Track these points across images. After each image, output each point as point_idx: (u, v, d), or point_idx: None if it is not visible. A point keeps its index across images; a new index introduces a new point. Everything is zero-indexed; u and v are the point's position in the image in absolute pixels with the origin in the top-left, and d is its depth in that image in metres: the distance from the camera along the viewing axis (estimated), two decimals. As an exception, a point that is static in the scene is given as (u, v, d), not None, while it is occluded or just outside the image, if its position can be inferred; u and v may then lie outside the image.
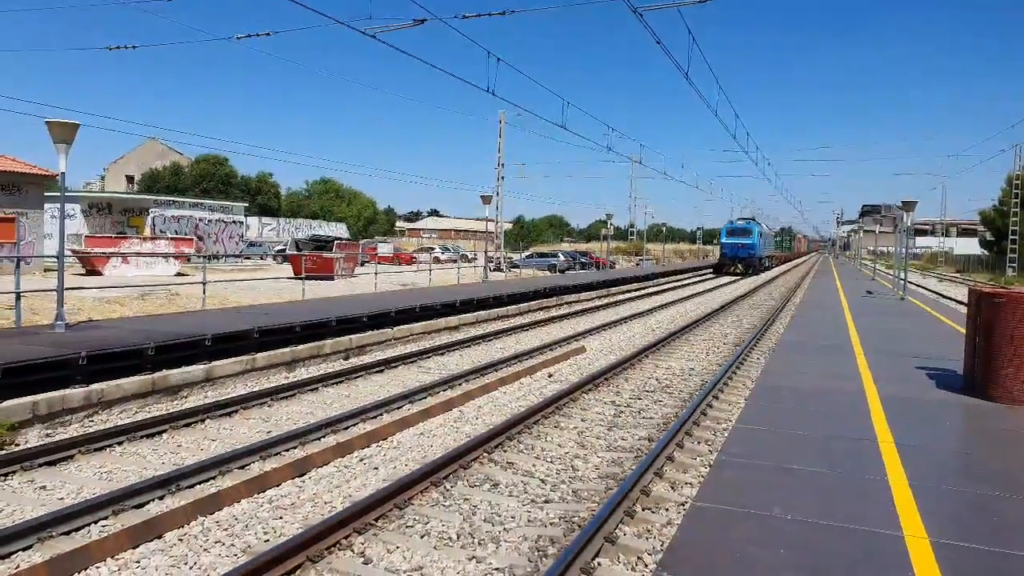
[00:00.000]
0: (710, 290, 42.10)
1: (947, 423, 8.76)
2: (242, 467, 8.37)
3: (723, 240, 65.38)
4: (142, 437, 9.51)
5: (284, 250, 49.57)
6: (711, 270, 67.65)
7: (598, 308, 28.61)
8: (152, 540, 6.37)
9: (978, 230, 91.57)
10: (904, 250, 31.56)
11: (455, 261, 52.53)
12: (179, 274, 35.18)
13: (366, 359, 15.64)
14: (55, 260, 13.82)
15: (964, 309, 13.67)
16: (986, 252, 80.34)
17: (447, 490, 7.78)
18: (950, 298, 36.44)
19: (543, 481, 8.17)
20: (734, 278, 57.47)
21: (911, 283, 34.99)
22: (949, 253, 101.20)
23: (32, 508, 7.10)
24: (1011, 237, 60.37)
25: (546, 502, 7.55)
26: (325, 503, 7.39)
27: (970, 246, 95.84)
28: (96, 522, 6.72)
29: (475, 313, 22.29)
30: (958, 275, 71.26)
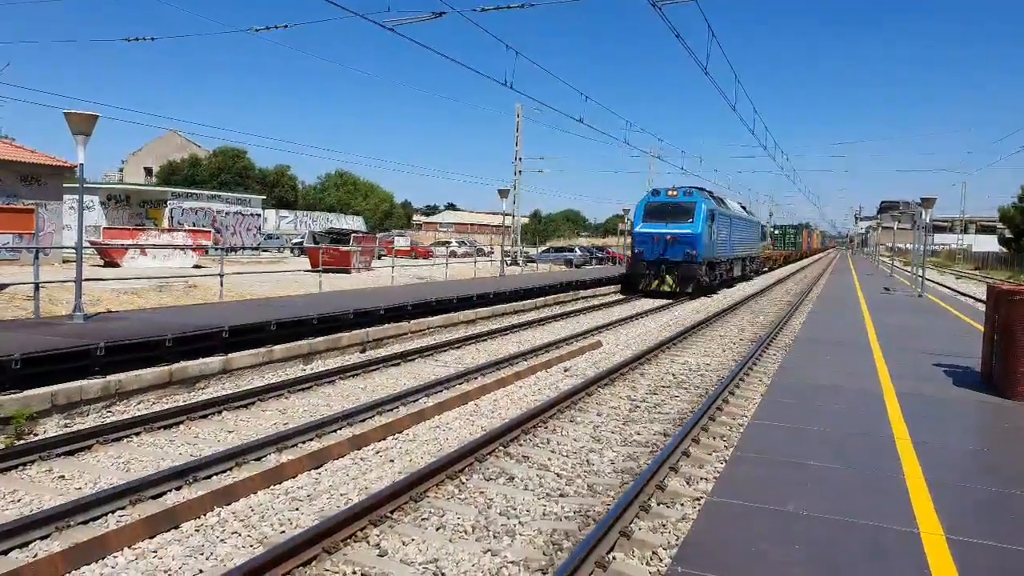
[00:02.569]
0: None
1: (964, 420, 8.71)
2: (259, 459, 8.41)
3: (637, 228, 33.31)
4: (159, 428, 9.58)
5: (301, 243, 49.75)
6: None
7: (614, 303, 28.58)
8: (169, 530, 6.42)
9: (997, 227, 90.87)
10: (922, 247, 31.36)
11: (471, 255, 52.55)
12: (196, 266, 35.35)
13: (383, 352, 15.68)
14: (74, 251, 13.92)
15: (982, 306, 13.61)
16: (1005, 249, 79.71)
17: (462, 483, 7.80)
18: (968, 295, 36.20)
19: (558, 475, 8.18)
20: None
21: (929, 280, 34.77)
22: (968, 250, 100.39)
23: (50, 497, 7.17)
24: (1031, 234, 59.79)
25: (561, 496, 7.56)
26: (341, 495, 7.42)
27: (989, 243, 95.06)
28: (114, 512, 6.77)
29: (491, 307, 22.29)
30: (976, 272, 70.65)
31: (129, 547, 6.05)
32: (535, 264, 50.78)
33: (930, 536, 5.12)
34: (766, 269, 58.39)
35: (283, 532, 6.47)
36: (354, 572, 5.78)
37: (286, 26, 20.27)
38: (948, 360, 12.24)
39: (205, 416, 10.22)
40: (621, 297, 31.88)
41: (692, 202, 32.56)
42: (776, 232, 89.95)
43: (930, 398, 9.58)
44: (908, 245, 68.99)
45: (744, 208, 49.20)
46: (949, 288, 42.75)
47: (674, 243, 31.76)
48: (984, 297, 11.62)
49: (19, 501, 7.11)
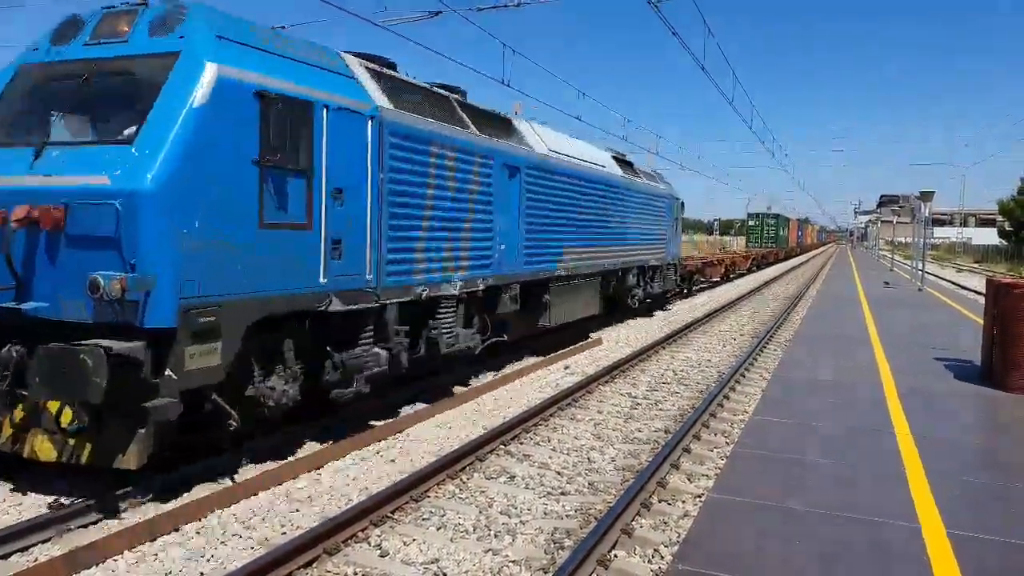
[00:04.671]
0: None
1: (964, 414, 8.71)
2: (259, 460, 8.38)
3: None
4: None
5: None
6: None
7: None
8: (170, 533, 6.40)
9: (997, 220, 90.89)
10: (922, 241, 31.36)
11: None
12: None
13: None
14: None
15: (982, 300, 13.64)
16: (1005, 242, 79.73)
17: (463, 482, 7.79)
18: (968, 288, 36.19)
19: (559, 473, 8.17)
20: None
21: (929, 274, 34.80)
22: (968, 243, 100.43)
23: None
24: (1030, 227, 59.80)
25: (562, 494, 7.55)
26: (342, 495, 7.40)
27: (989, 236, 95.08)
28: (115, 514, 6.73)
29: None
30: (976, 265, 70.67)
31: (130, 550, 6.03)
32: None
33: (931, 530, 5.11)
34: (704, 282, 34.04)
35: (284, 533, 6.46)
36: (355, 573, 5.77)
37: (283, 27, 20.24)
38: (948, 354, 12.25)
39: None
40: None
41: (166, 54, 7.09)
42: (752, 224, 70.99)
43: (930, 392, 9.59)
44: (908, 239, 68.18)
45: (624, 163, 20.70)
46: (949, 282, 42.77)
47: (46, 240, 6.68)
48: (983, 290, 11.63)
49: (20, 504, 7.06)
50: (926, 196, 27.60)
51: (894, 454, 6.89)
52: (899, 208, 51.81)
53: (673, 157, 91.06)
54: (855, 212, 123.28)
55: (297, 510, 7.02)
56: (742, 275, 44.25)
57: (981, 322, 11.44)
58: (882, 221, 78.27)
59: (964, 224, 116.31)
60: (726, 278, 38.82)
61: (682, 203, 25.99)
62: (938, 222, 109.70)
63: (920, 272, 29.32)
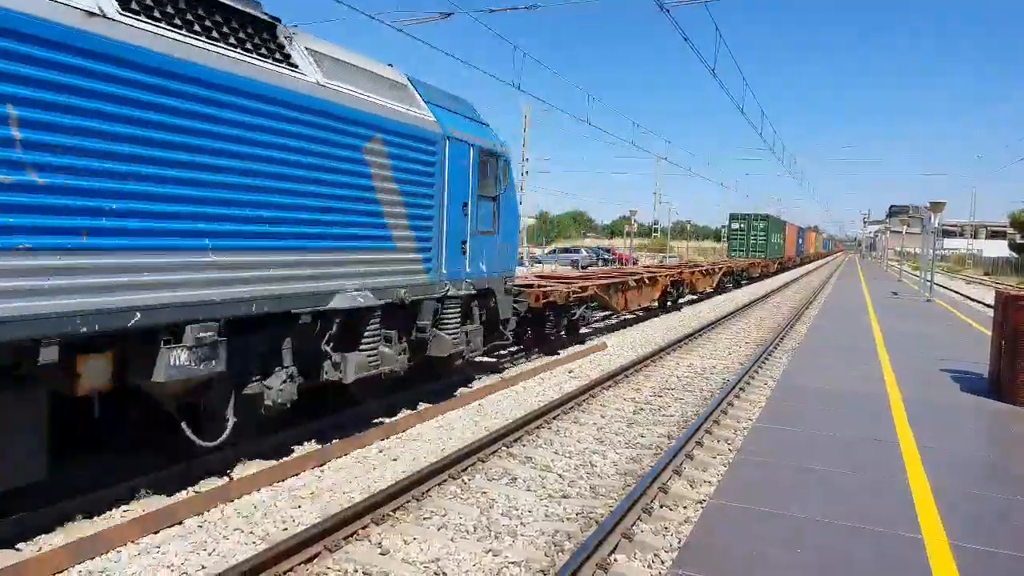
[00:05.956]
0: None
1: (970, 426, 8.68)
2: (262, 456, 8.40)
3: None
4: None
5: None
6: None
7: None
8: (172, 526, 6.42)
9: (1008, 232, 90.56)
10: (931, 251, 31.25)
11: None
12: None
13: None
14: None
15: (991, 312, 13.60)
16: (1016, 255, 79.41)
17: (465, 483, 7.79)
18: (977, 301, 36.05)
19: (561, 476, 8.17)
20: None
21: (938, 285, 34.67)
22: (978, 255, 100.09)
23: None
24: (1041, 240, 59.47)
25: (564, 497, 7.55)
26: (343, 493, 7.42)
27: (999, 248, 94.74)
28: (118, 507, 6.78)
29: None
30: (986, 278, 70.32)
31: (133, 542, 6.06)
32: (541, 265, 50.75)
33: (935, 543, 5.10)
34: (638, 310, 22.63)
35: (285, 529, 6.48)
36: (356, 570, 5.78)
37: (296, 26, 20.26)
38: (955, 366, 12.20)
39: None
40: None
41: None
42: (736, 228, 56.92)
43: (936, 404, 9.55)
44: (917, 249, 67.36)
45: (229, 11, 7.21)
46: (958, 293, 42.60)
47: None
48: (992, 302, 11.61)
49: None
50: (936, 207, 27.48)
51: (898, 465, 6.87)
52: (908, 218, 51.25)
53: (682, 162, 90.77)
54: (864, 222, 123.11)
55: (299, 507, 7.04)
56: (707, 296, 32.68)
57: (989, 334, 11.40)
58: (891, 231, 78.04)
59: (975, 236, 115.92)
60: (670, 304, 26.59)
61: (507, 160, 12.57)
62: (948, 234, 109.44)
63: (928, 283, 29.22)
